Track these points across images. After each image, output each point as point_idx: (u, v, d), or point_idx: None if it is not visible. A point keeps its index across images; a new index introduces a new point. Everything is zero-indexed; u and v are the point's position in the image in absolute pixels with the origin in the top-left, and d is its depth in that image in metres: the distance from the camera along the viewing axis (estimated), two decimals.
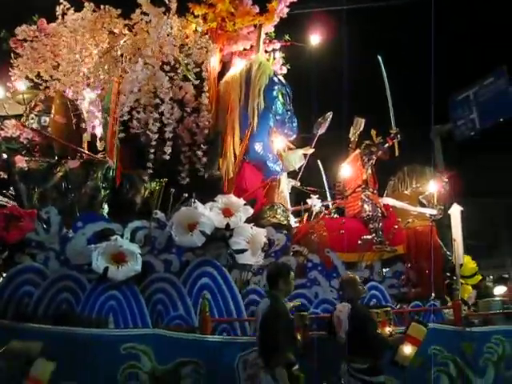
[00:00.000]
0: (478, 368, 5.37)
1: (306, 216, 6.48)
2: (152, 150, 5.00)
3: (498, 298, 5.89)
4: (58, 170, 4.76)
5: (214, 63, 5.68)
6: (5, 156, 4.95)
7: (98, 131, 6.27)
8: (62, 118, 5.37)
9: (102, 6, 5.53)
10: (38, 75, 5.65)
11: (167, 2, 5.37)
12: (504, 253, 18.86)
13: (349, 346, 4.20)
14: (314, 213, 6.07)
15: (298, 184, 6.71)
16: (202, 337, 4.50)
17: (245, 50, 6.13)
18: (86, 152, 5.25)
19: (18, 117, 6.16)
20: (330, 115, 6.33)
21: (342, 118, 6.27)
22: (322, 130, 6.33)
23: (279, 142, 5.84)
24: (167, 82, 4.99)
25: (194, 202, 4.58)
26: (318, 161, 6.90)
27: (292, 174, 6.73)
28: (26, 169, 4.87)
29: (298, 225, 6.27)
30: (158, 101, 4.99)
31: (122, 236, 4.50)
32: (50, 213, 4.38)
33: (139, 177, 4.98)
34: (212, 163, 5.39)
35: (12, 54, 5.78)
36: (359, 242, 5.28)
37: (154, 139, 4.96)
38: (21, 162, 4.95)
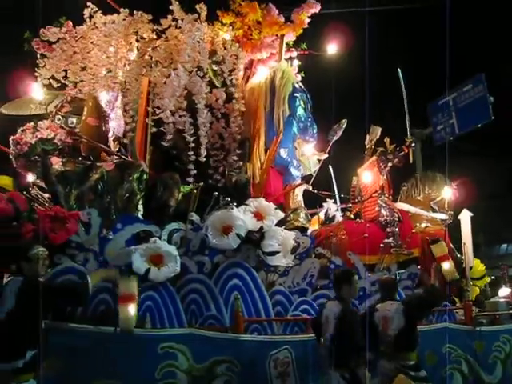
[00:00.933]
0: (487, 365, 5.62)
1: (316, 219, 6.62)
2: (190, 153, 5.04)
3: (503, 300, 6.17)
4: (94, 172, 4.78)
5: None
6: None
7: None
8: (94, 121, 5.35)
9: (135, 12, 5.55)
10: (65, 76, 5.61)
11: (198, 10, 5.42)
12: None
13: (398, 344, 4.23)
14: (330, 216, 6.21)
15: (310, 188, 6.83)
16: (235, 336, 4.58)
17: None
18: (120, 154, 5.25)
19: (38, 117, 6.15)
20: (344, 122, 6.50)
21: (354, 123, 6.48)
22: (336, 137, 6.49)
23: (309, 148, 5.98)
24: (203, 87, 5.06)
25: (232, 205, 4.65)
26: (330, 166, 7.05)
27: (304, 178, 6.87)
28: (63, 170, 4.86)
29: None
30: (195, 105, 5.04)
31: (159, 238, 4.55)
32: (91, 214, 4.36)
33: (172, 179, 5.03)
34: (239, 167, 5.48)
35: (38, 55, 5.75)
36: (381, 245, 5.46)
37: (190, 142, 5.00)
38: (57, 163, 4.95)
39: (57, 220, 4.03)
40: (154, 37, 5.58)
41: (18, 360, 3.43)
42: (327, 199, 6.37)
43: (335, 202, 6.43)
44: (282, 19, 5.82)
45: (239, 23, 5.71)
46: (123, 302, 4.00)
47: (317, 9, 5.87)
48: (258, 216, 4.91)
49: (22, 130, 4.96)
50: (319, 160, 6.58)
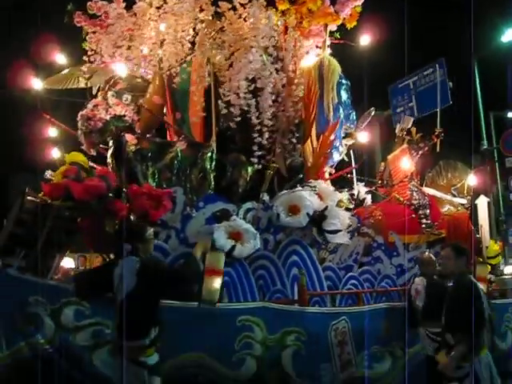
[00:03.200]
0: (500, 334, 6.18)
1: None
2: (255, 135, 5.06)
3: (509, 276, 6.75)
4: (169, 150, 4.70)
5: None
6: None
7: None
8: (159, 99, 5.20)
9: None
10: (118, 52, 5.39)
11: None
12: None
13: (427, 313, 4.83)
14: (361, 199, 6.46)
15: (333, 171, 7.03)
16: (302, 308, 4.77)
17: None
18: (187, 135, 5.15)
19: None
20: (372, 110, 6.73)
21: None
22: (365, 124, 6.72)
23: (363, 136, 6.17)
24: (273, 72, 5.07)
25: (302, 186, 4.78)
26: (351, 151, 7.26)
27: None
28: (139, 148, 4.73)
29: None
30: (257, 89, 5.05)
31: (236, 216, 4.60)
32: (177, 192, 4.34)
33: (240, 160, 5.05)
34: (295, 150, 5.57)
35: (88, 31, 5.48)
36: (423, 225, 5.83)
37: (256, 125, 5.03)
38: (132, 140, 4.80)
39: (151, 198, 3.98)
40: (210, 18, 5.47)
41: (145, 338, 3.44)
42: (358, 183, 6.62)
43: (365, 186, 6.67)
44: (332, 9, 5.88)
45: (293, 10, 5.72)
46: (209, 275, 4.01)
47: (360, 0, 5.98)
48: (319, 197, 5.08)
49: (95, 106, 4.74)
50: (346, 145, 6.78)
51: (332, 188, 5.17)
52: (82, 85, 5.65)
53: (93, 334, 4.01)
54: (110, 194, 4.01)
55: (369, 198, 6.38)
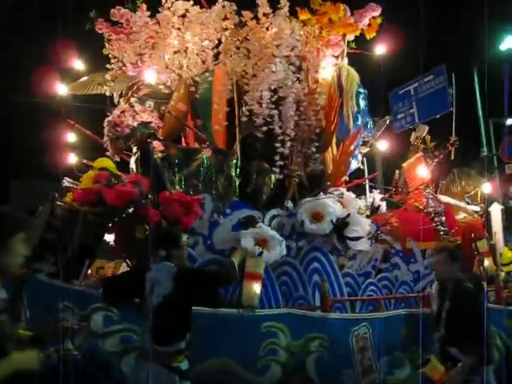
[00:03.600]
0: None
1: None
2: (277, 144, 5.07)
3: None
4: (195, 157, 4.70)
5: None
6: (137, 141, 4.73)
7: None
8: (184, 106, 5.22)
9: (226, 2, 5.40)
10: (141, 59, 5.40)
11: (281, 5, 5.39)
12: None
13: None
14: (376, 206, 6.46)
15: (347, 179, 7.05)
16: (325, 314, 4.77)
17: None
18: (209, 141, 5.15)
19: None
20: (388, 118, 6.77)
21: None
22: (379, 132, 6.75)
23: (383, 145, 6.20)
24: (293, 80, 5.09)
25: (326, 193, 4.78)
26: (364, 158, 7.28)
27: None
28: (166, 155, 4.73)
29: None
30: (280, 98, 5.07)
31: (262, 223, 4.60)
32: (205, 199, 4.34)
33: (263, 167, 5.05)
34: (315, 159, 5.58)
35: (109, 37, 5.50)
36: (441, 232, 5.84)
37: (279, 134, 5.04)
38: (159, 147, 4.80)
39: (182, 205, 3.97)
40: (228, 27, 5.48)
41: (181, 342, 3.43)
42: (373, 190, 6.64)
43: (380, 193, 6.69)
44: (352, 20, 5.92)
45: (314, 20, 5.74)
46: (249, 279, 4.03)
47: (378, 11, 6.03)
48: (342, 204, 5.09)
49: (122, 112, 4.73)
50: (361, 153, 6.80)
51: (353, 195, 5.18)
52: (102, 91, 5.64)
53: (121, 340, 4.00)
54: (143, 200, 3.99)
55: (384, 205, 6.38)
